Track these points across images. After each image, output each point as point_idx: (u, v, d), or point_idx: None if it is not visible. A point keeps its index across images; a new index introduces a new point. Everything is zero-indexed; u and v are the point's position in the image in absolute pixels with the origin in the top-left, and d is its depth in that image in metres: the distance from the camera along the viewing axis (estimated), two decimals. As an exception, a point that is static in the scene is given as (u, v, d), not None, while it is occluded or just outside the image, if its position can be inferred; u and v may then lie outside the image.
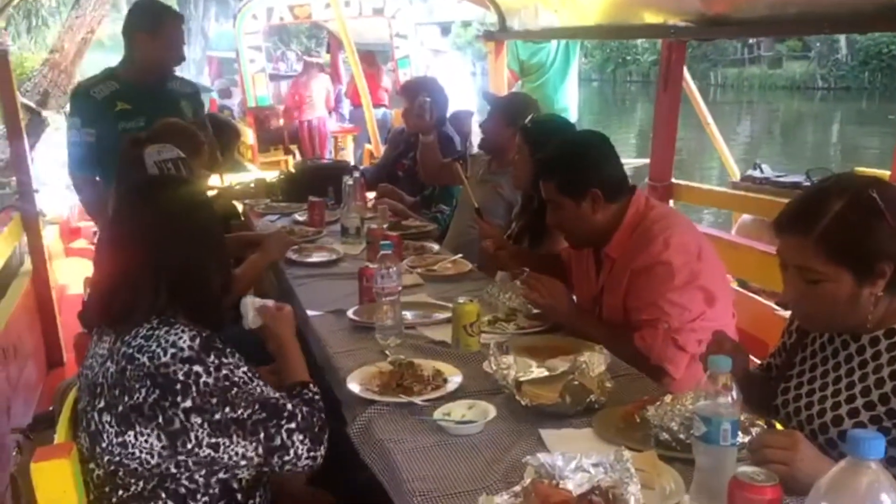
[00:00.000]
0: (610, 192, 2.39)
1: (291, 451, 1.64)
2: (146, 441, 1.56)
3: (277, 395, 1.69)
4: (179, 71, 3.71)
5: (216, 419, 1.57)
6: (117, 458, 1.59)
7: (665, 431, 1.65)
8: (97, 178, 3.52)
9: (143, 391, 1.56)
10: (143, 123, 3.34)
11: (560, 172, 2.43)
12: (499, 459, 1.65)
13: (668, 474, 1.54)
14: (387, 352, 2.21)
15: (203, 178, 3.13)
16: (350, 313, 2.53)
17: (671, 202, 4.39)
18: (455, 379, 2.02)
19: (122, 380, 1.58)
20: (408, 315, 2.51)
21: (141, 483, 1.61)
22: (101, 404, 1.60)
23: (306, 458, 1.67)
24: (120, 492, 1.62)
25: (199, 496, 1.64)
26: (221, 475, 1.64)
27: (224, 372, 1.60)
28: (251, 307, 1.96)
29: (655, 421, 1.66)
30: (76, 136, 3.47)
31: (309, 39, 26.82)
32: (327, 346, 2.36)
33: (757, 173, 4.92)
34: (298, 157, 10.01)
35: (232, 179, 4.90)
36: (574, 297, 2.61)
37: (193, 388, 1.56)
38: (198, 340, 1.59)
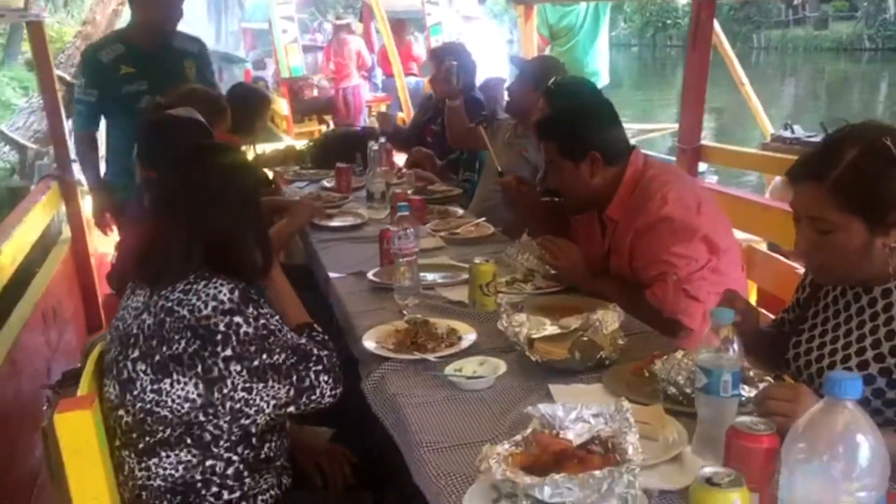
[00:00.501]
0: (609, 156, 2.40)
1: (318, 391, 1.77)
2: (182, 388, 1.64)
3: (303, 339, 1.82)
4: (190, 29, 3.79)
5: (255, 366, 1.66)
6: (149, 406, 1.66)
7: (672, 385, 1.66)
8: (95, 136, 3.71)
9: (183, 342, 1.63)
10: (146, 87, 3.47)
11: (560, 134, 2.44)
12: (506, 413, 1.68)
13: (672, 427, 1.55)
14: (404, 311, 2.24)
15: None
16: (370, 275, 2.57)
17: (701, 165, 4.36)
18: (469, 337, 2.05)
19: (161, 331, 1.65)
20: (428, 276, 2.55)
21: (168, 430, 1.68)
22: (136, 354, 1.67)
23: (329, 396, 1.79)
24: (147, 438, 1.69)
25: (221, 442, 1.71)
26: (243, 421, 1.70)
27: (262, 321, 1.69)
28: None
29: (662, 375, 1.67)
30: (79, 96, 3.64)
31: (345, 10, 26.82)
32: (347, 306, 2.41)
33: (787, 133, 4.83)
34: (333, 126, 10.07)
35: (264, 148, 4.96)
36: None
37: (234, 338, 1.63)
38: (237, 293, 1.67)
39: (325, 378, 1.78)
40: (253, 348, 1.66)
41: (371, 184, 3.60)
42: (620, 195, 2.41)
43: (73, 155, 4.36)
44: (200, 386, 1.64)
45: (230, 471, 1.73)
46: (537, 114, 3.19)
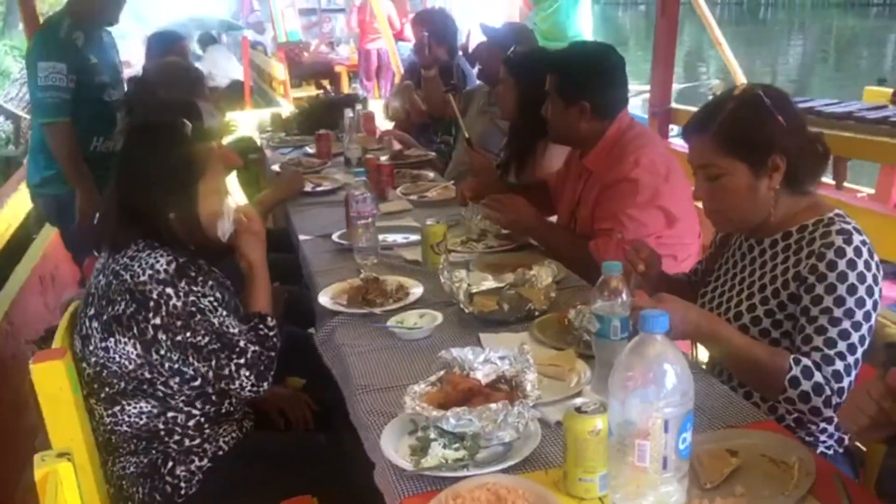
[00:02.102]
0: (600, 109, 2.50)
1: (236, 383, 1.81)
2: (124, 348, 1.80)
3: (236, 329, 1.84)
4: None
5: (178, 339, 1.78)
6: (102, 361, 1.84)
7: (586, 332, 1.83)
8: None
9: (123, 304, 1.79)
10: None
11: (562, 73, 2.54)
12: (437, 360, 1.86)
13: (580, 368, 1.73)
14: (361, 270, 2.41)
15: (215, 117, 3.31)
16: (334, 236, 2.75)
17: (672, 127, 4.49)
18: (415, 291, 2.23)
19: (108, 292, 1.81)
20: (389, 237, 2.72)
21: (123, 383, 1.85)
22: (91, 312, 1.85)
23: (249, 391, 1.83)
24: (107, 388, 1.87)
25: (177, 397, 1.87)
26: (189, 381, 1.86)
27: (192, 298, 1.78)
28: (229, 215, 2.01)
29: (577, 323, 1.84)
30: (55, 81, 3.45)
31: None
32: (311, 266, 2.59)
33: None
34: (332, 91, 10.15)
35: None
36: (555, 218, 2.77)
37: (163, 308, 1.77)
38: (173, 265, 1.79)
39: (246, 373, 1.80)
40: (179, 323, 1.76)
41: (348, 150, 3.76)
42: (600, 148, 2.53)
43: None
44: (138, 346, 1.79)
45: (191, 423, 1.90)
46: (502, 81, 3.33)
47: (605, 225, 2.43)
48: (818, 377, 1.57)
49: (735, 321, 1.76)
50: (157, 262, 1.79)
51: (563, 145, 2.77)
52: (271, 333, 1.92)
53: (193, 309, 1.78)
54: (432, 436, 1.47)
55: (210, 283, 1.86)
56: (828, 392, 1.57)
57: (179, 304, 1.77)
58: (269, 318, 1.95)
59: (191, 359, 1.80)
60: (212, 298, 1.83)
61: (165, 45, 4.26)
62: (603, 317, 1.57)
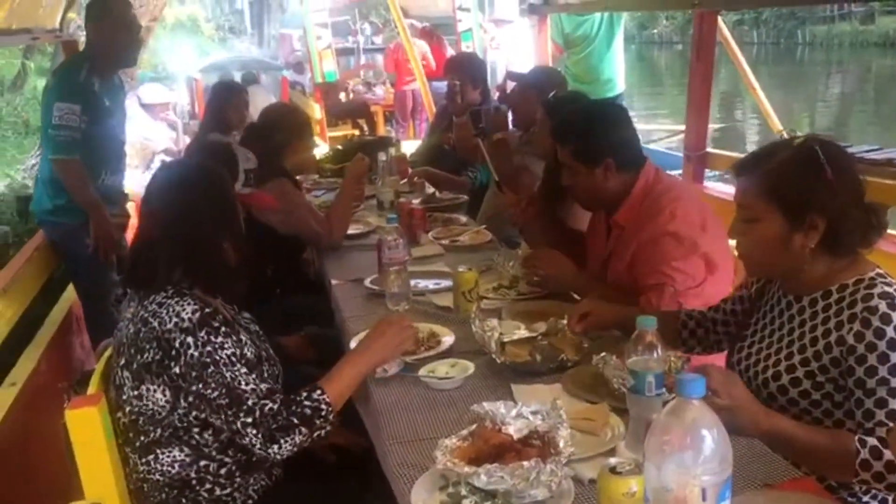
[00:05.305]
0: (623, 162, 2.49)
1: (246, 440, 1.78)
2: (154, 394, 1.81)
3: (250, 385, 1.78)
4: None
5: (192, 389, 1.78)
6: (136, 408, 1.85)
7: (623, 386, 1.81)
8: None
9: (151, 352, 1.80)
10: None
11: (576, 139, 2.53)
12: (469, 411, 1.84)
13: (614, 423, 1.70)
14: (393, 317, 2.41)
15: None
16: (367, 281, 2.75)
17: (706, 171, 4.46)
18: (447, 340, 2.22)
19: (137, 340, 1.83)
20: (421, 283, 2.72)
21: (158, 430, 1.86)
22: (122, 361, 1.87)
23: (260, 449, 1.78)
24: (142, 437, 1.88)
25: (211, 444, 1.88)
26: (220, 435, 1.86)
27: (208, 349, 1.77)
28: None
29: (608, 375, 1.81)
30: (70, 122, 3.53)
31: (388, 11, 27.05)
32: (343, 312, 2.60)
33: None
34: (367, 131, 10.28)
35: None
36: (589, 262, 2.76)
37: (182, 357, 1.77)
38: (198, 314, 1.80)
39: (253, 431, 1.76)
40: (194, 373, 1.76)
41: (380, 192, 3.78)
42: (630, 204, 2.51)
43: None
44: (168, 393, 1.80)
45: (223, 471, 1.90)
46: (539, 124, 3.34)
47: (653, 280, 2.39)
48: (888, 455, 1.51)
49: (774, 381, 1.72)
50: (184, 309, 1.80)
51: (590, 210, 2.74)
52: (306, 403, 1.80)
53: (208, 360, 1.77)
54: (463, 492, 1.46)
55: (232, 336, 1.85)
56: None
57: (196, 353, 1.77)
58: (318, 392, 1.83)
59: (207, 411, 1.80)
60: (230, 351, 1.80)
61: (228, 93, 4.96)
62: (637, 372, 1.54)
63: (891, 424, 1.54)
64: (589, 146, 2.49)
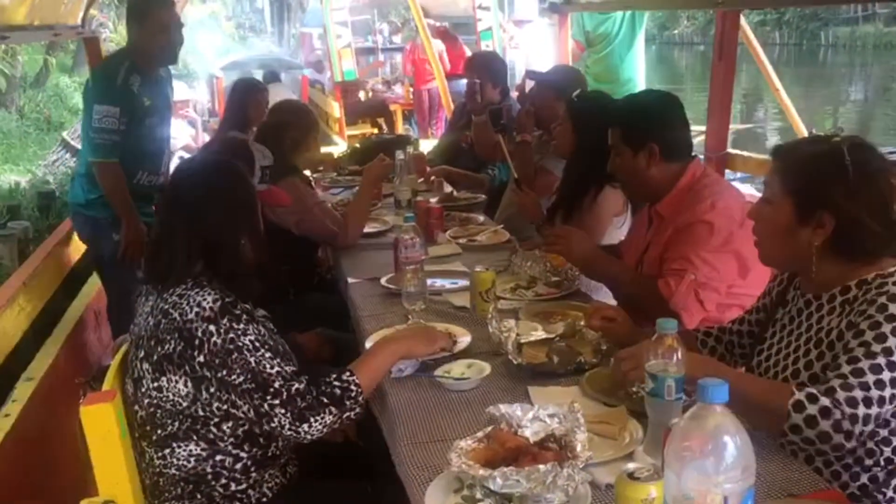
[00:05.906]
0: (668, 151, 2.45)
1: (275, 420, 1.78)
2: (175, 386, 1.81)
3: (275, 369, 1.79)
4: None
5: (218, 377, 1.78)
6: (155, 401, 1.85)
7: (642, 389, 1.78)
8: None
9: (173, 343, 1.80)
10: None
11: (626, 120, 2.53)
12: (485, 414, 1.82)
13: (632, 427, 1.67)
14: (409, 316, 2.40)
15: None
16: (383, 280, 2.74)
17: (726, 172, 4.41)
18: (463, 340, 2.19)
19: (157, 332, 1.83)
20: (438, 282, 2.70)
21: (176, 423, 1.86)
22: (142, 354, 1.86)
23: (289, 429, 1.79)
24: (159, 431, 1.88)
25: (226, 438, 1.87)
26: (241, 423, 1.86)
27: (231, 336, 1.77)
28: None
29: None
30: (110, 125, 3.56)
31: (407, 10, 27.09)
32: (359, 310, 2.58)
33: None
34: (386, 129, 10.29)
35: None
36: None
37: (206, 346, 1.78)
38: (219, 303, 1.81)
39: (282, 411, 1.77)
40: (217, 361, 1.77)
41: (398, 191, 3.77)
42: (674, 196, 2.47)
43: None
44: (189, 384, 1.80)
45: (238, 466, 1.90)
46: (560, 123, 3.31)
47: (676, 265, 2.36)
48: (824, 401, 1.48)
49: (793, 379, 1.69)
50: (204, 299, 1.81)
51: (635, 199, 2.72)
52: (336, 384, 1.84)
53: (231, 347, 1.78)
54: (478, 495, 1.44)
55: (253, 323, 1.85)
56: (837, 416, 1.47)
57: (219, 341, 1.78)
58: (347, 374, 1.87)
59: (233, 396, 1.80)
60: (253, 337, 1.81)
61: (249, 91, 4.92)
62: (656, 376, 1.51)
63: (850, 379, 1.50)
64: (634, 128, 2.49)
